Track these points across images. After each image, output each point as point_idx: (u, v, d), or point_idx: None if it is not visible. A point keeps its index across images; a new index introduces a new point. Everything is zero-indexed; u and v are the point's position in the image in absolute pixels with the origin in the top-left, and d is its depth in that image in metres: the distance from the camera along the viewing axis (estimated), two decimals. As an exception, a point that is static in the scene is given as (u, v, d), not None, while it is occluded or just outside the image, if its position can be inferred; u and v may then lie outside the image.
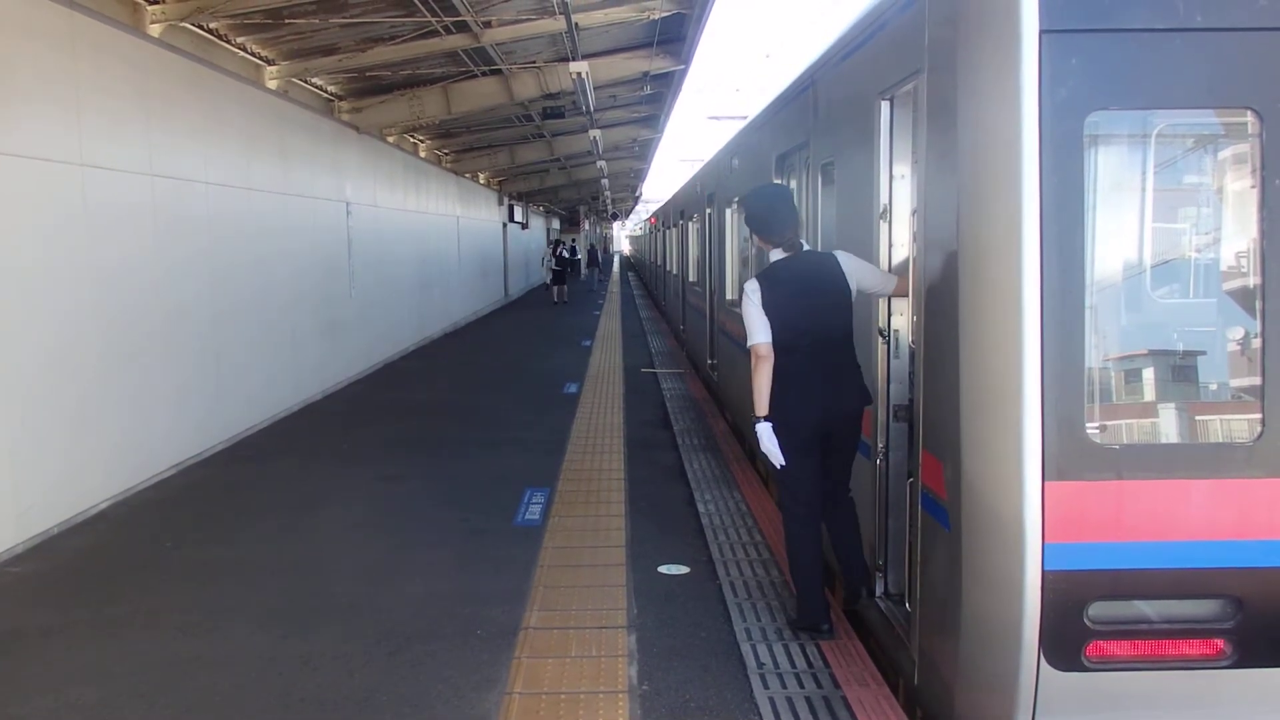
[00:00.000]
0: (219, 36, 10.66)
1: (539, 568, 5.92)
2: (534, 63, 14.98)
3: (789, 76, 6.98)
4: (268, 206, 10.83)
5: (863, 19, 4.78)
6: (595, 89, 14.18)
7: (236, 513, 7.32)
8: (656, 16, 12.82)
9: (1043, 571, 3.23)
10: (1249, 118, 3.26)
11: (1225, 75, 3.22)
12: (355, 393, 13.21)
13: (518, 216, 33.06)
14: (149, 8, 8.85)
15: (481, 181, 27.10)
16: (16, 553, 6.30)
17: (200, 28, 10.12)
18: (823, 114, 5.71)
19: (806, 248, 4.81)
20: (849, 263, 4.60)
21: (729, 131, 12.39)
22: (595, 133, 19.47)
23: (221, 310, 9.48)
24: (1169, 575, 3.29)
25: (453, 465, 8.73)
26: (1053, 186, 3.20)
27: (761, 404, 4.67)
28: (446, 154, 22.40)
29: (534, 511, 7.12)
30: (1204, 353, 3.54)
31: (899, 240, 4.60)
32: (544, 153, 25.19)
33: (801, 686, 4.35)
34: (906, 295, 4.47)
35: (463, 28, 12.00)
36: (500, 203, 30.14)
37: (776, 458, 4.68)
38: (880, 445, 4.72)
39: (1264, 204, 3.23)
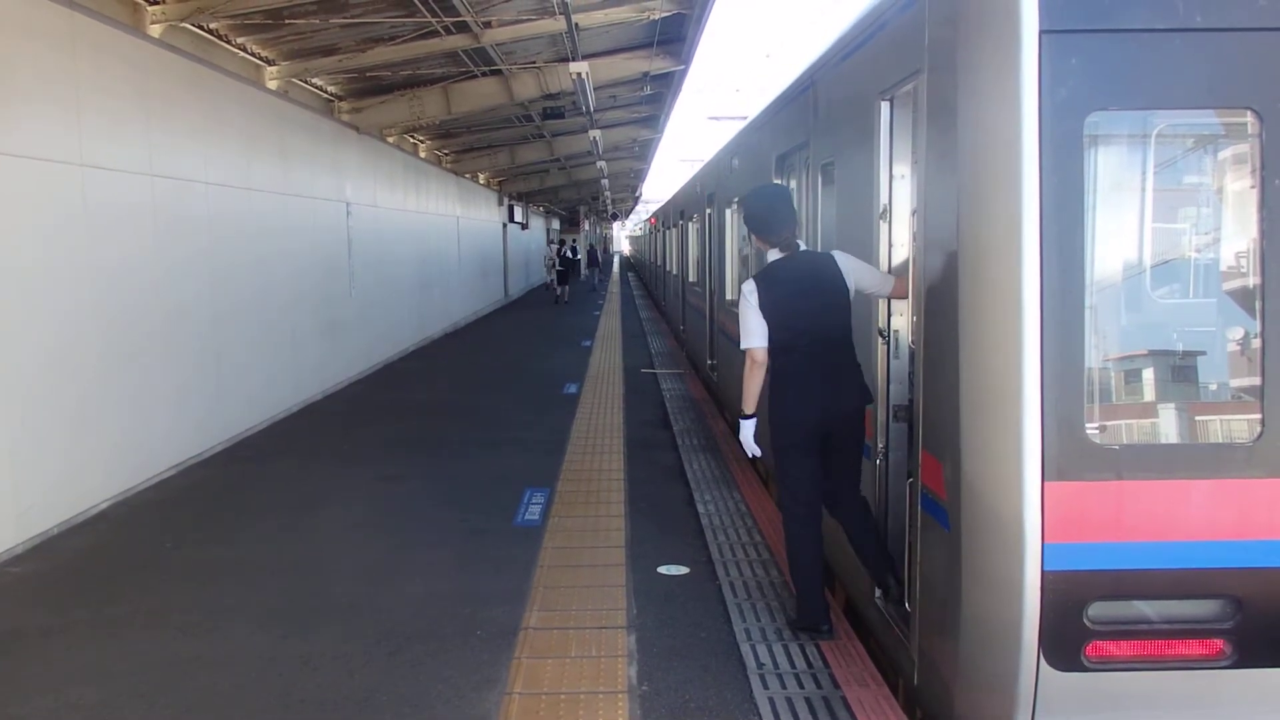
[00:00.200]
0: (219, 37, 10.66)
1: (539, 568, 5.92)
2: (534, 63, 14.99)
3: (789, 77, 6.98)
4: (268, 207, 10.83)
5: (863, 19, 4.78)
6: (595, 89, 14.18)
7: (237, 513, 7.32)
8: (656, 17, 12.82)
9: (1042, 572, 3.24)
10: (1248, 118, 3.26)
11: (1225, 75, 3.23)
12: (355, 393, 13.21)
13: (518, 217, 33.07)
14: (149, 8, 8.85)
15: (481, 182, 27.10)
16: (16, 553, 6.30)
17: (200, 28, 10.12)
18: (823, 114, 5.71)
19: (804, 248, 4.81)
20: (846, 262, 4.60)
21: (729, 132, 12.40)
22: (595, 133, 19.48)
23: (221, 310, 9.48)
24: (1169, 575, 3.29)
25: (453, 465, 8.73)
26: (1053, 186, 3.20)
27: (749, 404, 4.82)
28: (446, 154, 22.40)
29: (534, 512, 7.12)
30: (1204, 353, 3.54)
31: (899, 240, 4.60)
32: (544, 153, 25.20)
33: (801, 687, 4.35)
34: (904, 297, 4.47)
35: (463, 28, 12.00)
36: (500, 203, 30.15)
37: (752, 449, 4.91)
38: (880, 445, 4.72)
39: (1264, 204, 3.23)
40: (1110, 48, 3.21)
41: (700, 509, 7.15)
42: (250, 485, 8.18)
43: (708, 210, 12.61)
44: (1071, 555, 3.25)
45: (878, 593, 4.69)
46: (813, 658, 4.63)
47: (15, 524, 6.36)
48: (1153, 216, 3.49)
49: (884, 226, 4.60)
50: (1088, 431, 3.25)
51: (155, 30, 8.90)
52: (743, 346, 4.75)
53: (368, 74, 13.73)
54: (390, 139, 16.78)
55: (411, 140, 19.28)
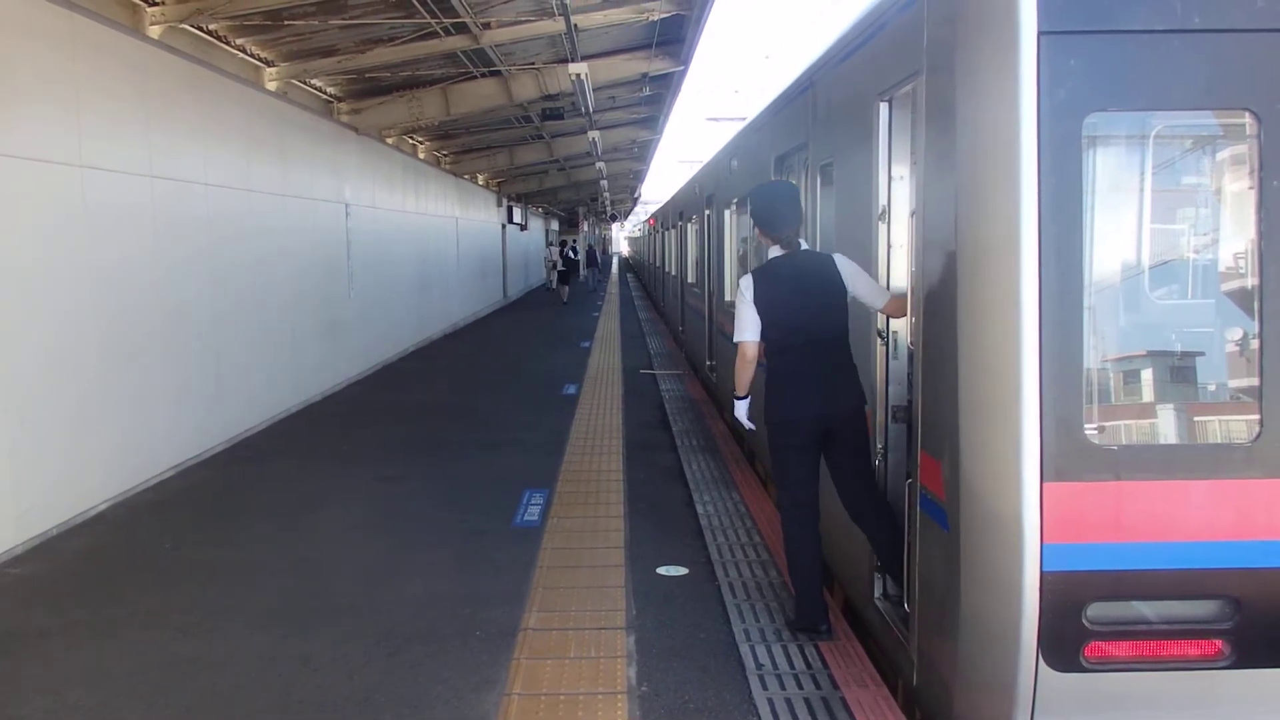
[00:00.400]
0: (218, 38, 10.66)
1: (538, 569, 5.92)
2: (533, 64, 14.99)
3: (788, 78, 6.99)
4: (267, 207, 10.83)
5: (862, 20, 4.79)
6: (594, 90, 14.18)
7: (236, 514, 7.32)
8: (655, 18, 12.82)
9: (1041, 572, 3.24)
10: (1247, 119, 3.26)
11: (1223, 77, 3.23)
12: (355, 394, 13.21)
13: (516, 218, 33.07)
14: (148, 9, 8.85)
15: (480, 183, 27.10)
16: (16, 554, 6.29)
17: (200, 29, 10.12)
18: (822, 115, 5.72)
19: (805, 247, 4.81)
20: (846, 266, 4.60)
21: (728, 133, 12.41)
22: (594, 134, 19.48)
23: (221, 311, 9.48)
24: (1167, 576, 3.30)
25: (452, 466, 8.73)
26: (1051, 187, 3.20)
27: (740, 389, 4.96)
28: (445, 155, 22.40)
29: (533, 513, 7.12)
30: (1202, 353, 3.55)
31: (897, 241, 4.61)
32: (543, 154, 25.20)
33: (800, 687, 4.35)
34: (898, 315, 4.48)
35: (462, 29, 12.00)
36: (499, 204, 30.15)
37: (747, 424, 5.03)
38: (879, 446, 4.73)
39: (1262, 205, 3.24)
40: (1109, 49, 3.22)
41: (699, 510, 7.16)
42: (250, 486, 8.18)
43: (706, 211, 12.62)
44: (1070, 556, 3.25)
45: (877, 593, 4.69)
46: (812, 658, 4.63)
47: (14, 525, 6.36)
48: (1151, 217, 3.49)
49: (883, 227, 4.60)
50: (1086, 432, 3.25)
51: (154, 31, 8.90)
52: (735, 339, 4.80)
53: (367, 75, 13.73)
54: (389, 140, 16.78)
55: (410, 141, 19.29)
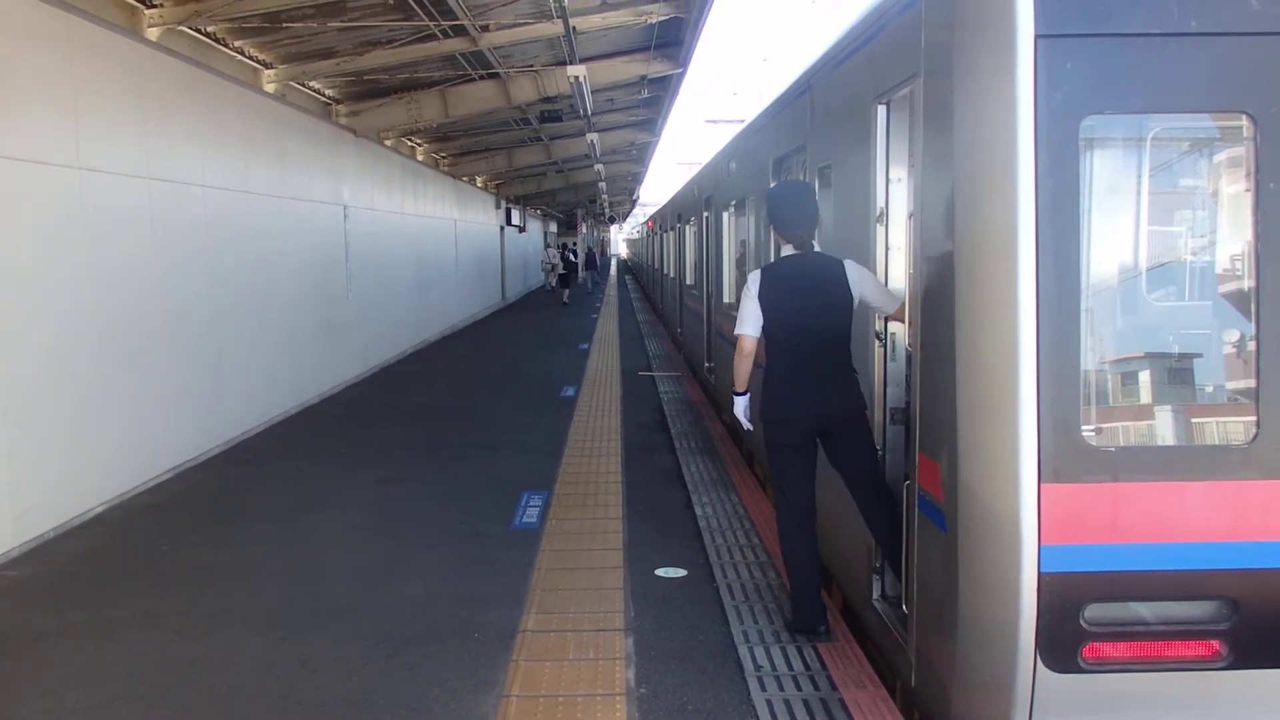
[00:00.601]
0: (216, 40, 10.66)
1: (536, 570, 5.92)
2: (531, 66, 15.00)
3: (786, 80, 7.00)
4: (265, 210, 10.84)
5: (859, 23, 4.80)
6: (593, 92, 14.19)
7: (234, 515, 7.32)
8: (654, 20, 12.83)
9: (1039, 573, 3.24)
10: (1243, 121, 3.27)
11: (1219, 79, 3.24)
12: (353, 395, 13.21)
13: (515, 220, 33.09)
14: (146, 11, 8.85)
15: (479, 185, 27.11)
16: (13, 556, 6.29)
17: (198, 31, 10.12)
18: (820, 117, 5.73)
19: (817, 249, 4.81)
20: (854, 272, 4.60)
21: (726, 135, 12.41)
22: (593, 136, 19.49)
23: (219, 313, 9.48)
24: (1165, 577, 3.30)
25: (450, 468, 8.73)
26: (1048, 190, 3.21)
27: (739, 384, 4.99)
28: (444, 157, 22.41)
29: (531, 514, 7.13)
30: (1199, 355, 3.55)
31: (895, 243, 4.62)
32: (541, 156, 25.21)
33: (799, 689, 4.35)
34: (903, 321, 4.49)
35: (460, 31, 12.01)
36: (498, 206, 30.16)
37: (746, 423, 5.07)
38: (877, 447, 4.73)
39: (1258, 207, 3.24)
40: (1105, 52, 3.22)
41: (698, 511, 7.16)
42: (248, 488, 8.18)
43: (705, 213, 12.62)
44: (1068, 557, 3.26)
45: (875, 594, 4.70)
46: (810, 660, 4.64)
47: (12, 527, 6.35)
48: (1148, 219, 3.50)
49: (881, 229, 4.61)
50: (1084, 434, 3.25)
51: (152, 33, 8.90)
52: (735, 332, 4.83)
53: (365, 77, 13.73)
54: (388, 142, 16.78)
55: (409, 143, 19.29)
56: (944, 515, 3.63)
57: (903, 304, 4.49)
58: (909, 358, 4.41)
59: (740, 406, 5.09)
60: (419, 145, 20.04)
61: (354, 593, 5.64)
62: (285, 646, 4.90)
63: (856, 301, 4.62)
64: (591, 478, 8.21)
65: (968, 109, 3.41)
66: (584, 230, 56.84)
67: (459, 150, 22.48)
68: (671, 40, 14.48)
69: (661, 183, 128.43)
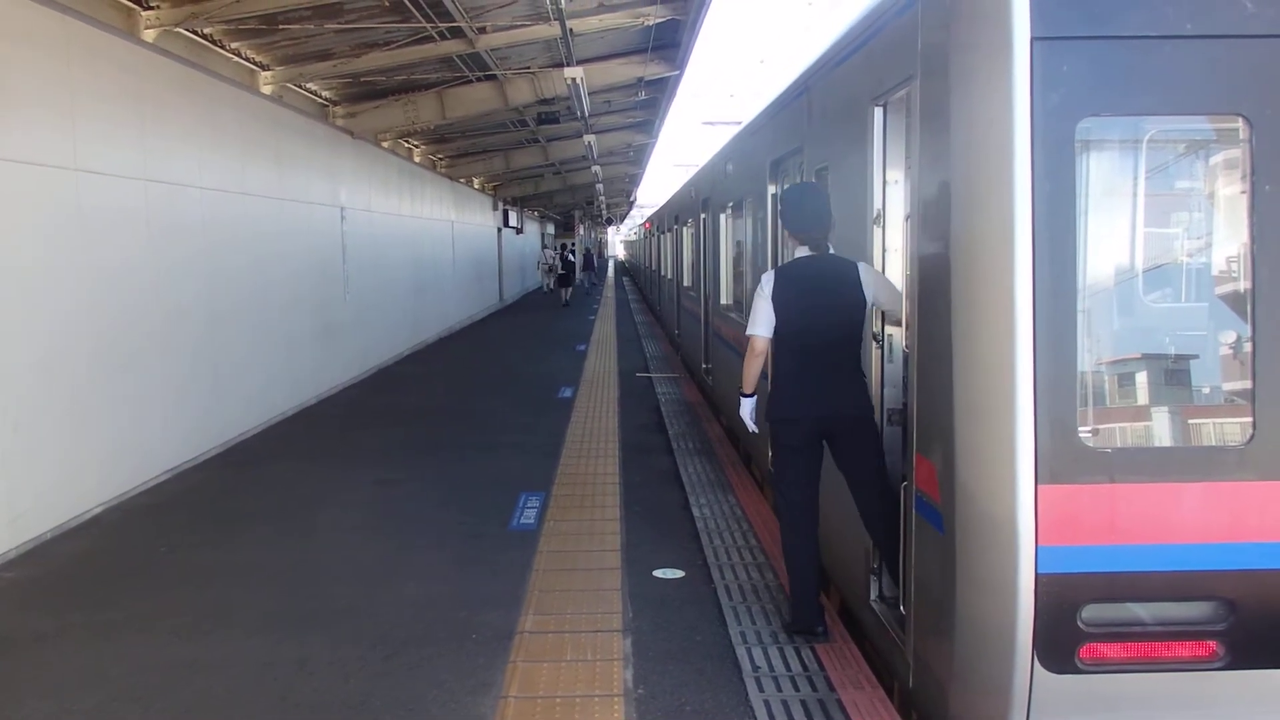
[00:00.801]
0: (213, 42, 10.66)
1: (534, 572, 5.93)
2: (529, 68, 15.01)
3: (783, 82, 7.00)
4: (262, 211, 10.83)
5: (856, 25, 4.81)
6: (590, 94, 14.22)
7: (232, 517, 7.31)
8: (651, 22, 12.85)
9: (1036, 574, 3.25)
10: (1239, 124, 3.28)
11: (1215, 82, 3.25)
12: (350, 397, 13.20)
13: (512, 221, 33.07)
14: (143, 13, 8.85)
15: (476, 186, 27.11)
16: (10, 558, 6.29)
17: (195, 33, 10.12)
18: (817, 119, 5.74)
19: (831, 251, 4.81)
20: (868, 275, 4.58)
21: (724, 137, 12.42)
22: (590, 138, 19.50)
23: (217, 314, 9.48)
24: (1162, 578, 3.31)
25: (448, 469, 8.73)
26: (1045, 192, 3.22)
27: (747, 385, 5.01)
28: (441, 159, 22.41)
29: (529, 516, 7.13)
30: (1196, 356, 3.56)
31: (892, 245, 4.62)
32: (539, 158, 25.22)
33: (797, 689, 4.36)
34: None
35: (457, 33, 12.02)
36: (495, 208, 30.16)
37: (751, 426, 5.10)
38: (884, 451, 4.73)
39: (1254, 209, 3.26)
40: (1102, 54, 3.23)
41: (696, 513, 7.16)
42: (246, 489, 8.17)
43: (702, 215, 12.63)
44: (1065, 558, 3.27)
45: (873, 595, 4.71)
46: (808, 660, 4.64)
47: (9, 528, 6.35)
48: (1144, 221, 3.51)
49: (878, 231, 4.62)
50: (1080, 435, 3.26)
51: (149, 35, 8.90)
52: (747, 332, 4.83)
53: (362, 79, 13.74)
54: (385, 144, 16.78)
55: (406, 145, 19.29)
56: (941, 516, 3.63)
57: None
58: (906, 359, 4.42)
59: (746, 409, 5.09)
60: (416, 147, 20.04)
61: (352, 593, 5.64)
62: (283, 647, 4.90)
63: (870, 304, 4.61)
64: (589, 479, 8.22)
65: (964, 111, 3.42)
66: (581, 232, 56.83)
67: (456, 152, 22.48)
68: (669, 42, 14.49)
69: (659, 184, 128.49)
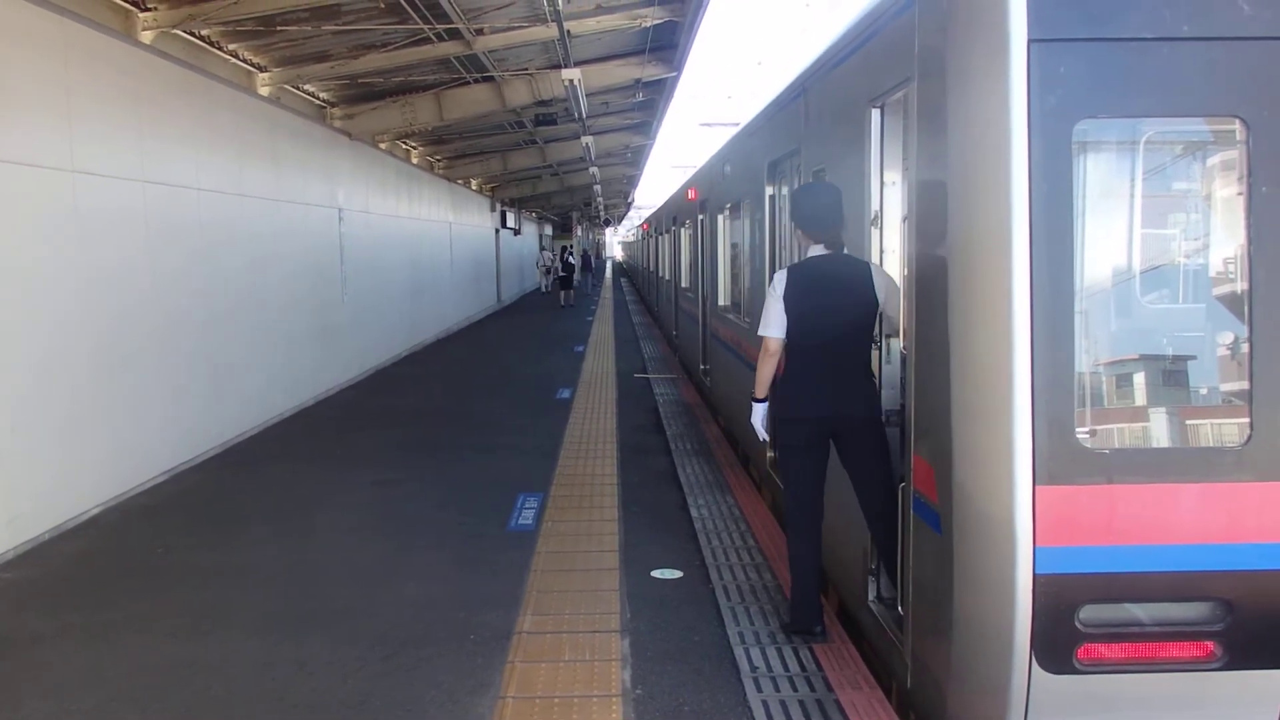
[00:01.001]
0: (211, 43, 10.67)
1: (532, 572, 5.93)
2: (526, 69, 15.02)
3: (781, 83, 7.01)
4: (260, 213, 10.83)
5: (854, 27, 4.81)
6: (588, 96, 14.22)
7: (230, 518, 7.31)
8: (649, 24, 12.86)
9: (1034, 575, 3.26)
10: (1235, 125, 3.29)
11: (1212, 84, 3.26)
12: (348, 398, 13.20)
13: (510, 222, 33.09)
14: (141, 14, 8.85)
15: (474, 187, 27.12)
16: (7, 559, 6.28)
17: (192, 35, 10.12)
18: (814, 121, 5.75)
19: (845, 251, 4.80)
20: (880, 278, 4.56)
21: (721, 138, 12.43)
22: (588, 139, 19.51)
23: (214, 316, 9.48)
24: (1159, 578, 3.32)
25: (446, 470, 8.73)
26: (1042, 193, 3.23)
27: (760, 389, 4.93)
28: (439, 160, 22.41)
29: (527, 516, 7.13)
30: (1193, 357, 3.57)
31: (890, 247, 4.63)
32: (536, 159, 25.23)
33: (795, 690, 4.36)
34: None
35: (455, 35, 12.02)
36: (493, 209, 30.16)
37: (762, 434, 5.04)
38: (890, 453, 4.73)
39: (1251, 210, 3.27)
40: (1099, 56, 3.24)
41: (694, 513, 7.17)
42: (243, 490, 8.17)
43: (700, 216, 12.64)
44: (1063, 559, 3.28)
45: (871, 596, 4.71)
46: (806, 661, 4.65)
47: (7, 529, 6.35)
48: (1141, 222, 3.52)
49: (875, 233, 4.62)
50: (1078, 436, 3.27)
51: (147, 37, 8.91)
52: (759, 333, 4.81)
53: (360, 80, 13.74)
54: (382, 145, 16.78)
55: (404, 146, 19.29)
56: (939, 517, 3.64)
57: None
58: (904, 361, 4.42)
59: (758, 416, 4.99)
60: (414, 148, 20.05)
61: (350, 594, 5.64)
62: (282, 648, 4.90)
63: (881, 305, 4.58)
64: (587, 479, 8.22)
65: (961, 113, 3.43)
66: (579, 233, 56.84)
67: (454, 153, 22.49)
68: (666, 44, 14.51)
69: (657, 186, 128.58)
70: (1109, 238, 3.50)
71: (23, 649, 4.97)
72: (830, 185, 4.92)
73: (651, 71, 15.57)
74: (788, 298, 4.67)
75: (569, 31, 11.24)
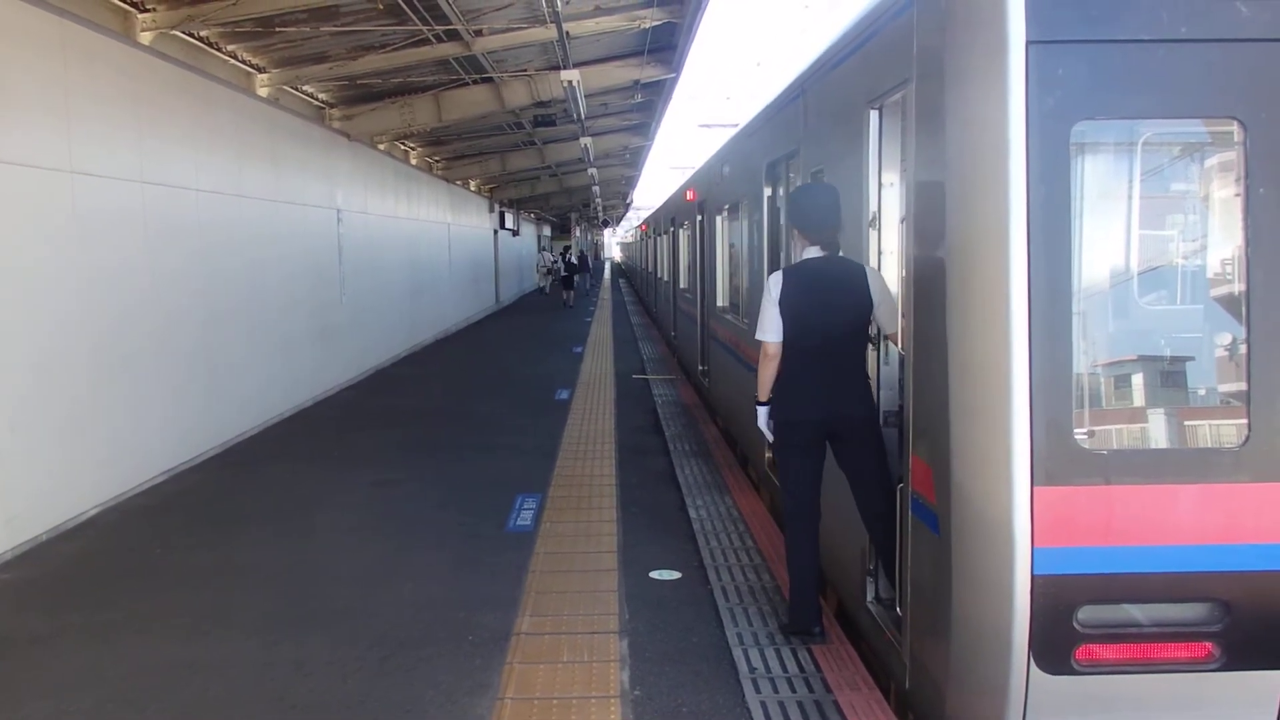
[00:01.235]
0: (210, 44, 10.67)
1: (531, 573, 5.93)
2: (525, 71, 15.02)
3: (779, 85, 7.02)
4: (259, 213, 10.83)
5: (852, 28, 4.82)
6: (586, 97, 14.22)
7: (229, 518, 7.31)
8: (647, 25, 12.87)
9: (1032, 576, 3.26)
10: (1233, 127, 3.30)
11: (1209, 85, 3.27)
12: (347, 399, 13.20)
13: (509, 223, 33.09)
14: (139, 15, 8.86)
15: (472, 188, 27.12)
16: (6, 559, 6.28)
17: (191, 36, 10.13)
18: (812, 122, 5.75)
19: (841, 253, 4.81)
20: (875, 281, 4.56)
21: (720, 139, 12.44)
22: (586, 140, 19.51)
23: (213, 316, 9.48)
24: (1157, 579, 3.32)
25: (445, 471, 8.73)
26: (1040, 194, 3.23)
27: (762, 392, 4.91)
28: (437, 161, 22.41)
29: (525, 517, 7.13)
30: (1191, 358, 3.58)
31: (888, 248, 4.63)
32: (535, 160, 25.24)
33: (793, 691, 4.37)
34: (896, 344, 4.49)
35: (454, 36, 12.03)
36: (491, 210, 30.17)
37: (769, 436, 4.96)
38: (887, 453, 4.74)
39: (1248, 211, 3.27)
40: (1097, 58, 3.25)
41: (692, 514, 7.17)
42: (242, 490, 8.17)
43: (699, 217, 12.64)
44: (1061, 559, 3.28)
45: (869, 596, 4.71)
46: (805, 662, 4.65)
47: (5, 529, 6.34)
48: (1139, 224, 3.52)
49: (873, 234, 4.63)
50: (1076, 437, 3.27)
51: (145, 38, 8.91)
52: (756, 337, 4.81)
53: (359, 81, 13.74)
54: (381, 146, 16.78)
55: (402, 147, 19.29)
56: (937, 518, 3.64)
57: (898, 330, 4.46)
58: (902, 361, 4.43)
59: (762, 417, 4.98)
60: (413, 149, 20.05)
61: (349, 595, 5.64)
62: (281, 649, 4.90)
63: (874, 309, 4.58)
64: (586, 480, 8.22)
65: (960, 114, 3.44)
66: (578, 234, 56.84)
67: (453, 154, 22.49)
68: (665, 45, 14.52)
69: (655, 186, 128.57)
70: (1107, 239, 3.51)
71: (21, 649, 4.96)
72: (827, 186, 4.92)
73: (650, 73, 15.58)
74: (784, 300, 4.67)
75: (568, 33, 11.24)
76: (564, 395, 13.00)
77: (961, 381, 3.47)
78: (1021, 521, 3.25)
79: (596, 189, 34.91)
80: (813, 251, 4.74)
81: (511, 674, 4.58)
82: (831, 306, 4.60)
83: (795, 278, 4.72)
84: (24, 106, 6.69)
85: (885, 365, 4.74)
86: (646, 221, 32.13)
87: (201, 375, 9.23)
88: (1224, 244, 3.46)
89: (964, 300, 3.45)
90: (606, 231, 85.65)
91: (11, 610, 5.52)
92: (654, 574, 5.92)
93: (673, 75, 15.81)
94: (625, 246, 79.36)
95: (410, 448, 9.76)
